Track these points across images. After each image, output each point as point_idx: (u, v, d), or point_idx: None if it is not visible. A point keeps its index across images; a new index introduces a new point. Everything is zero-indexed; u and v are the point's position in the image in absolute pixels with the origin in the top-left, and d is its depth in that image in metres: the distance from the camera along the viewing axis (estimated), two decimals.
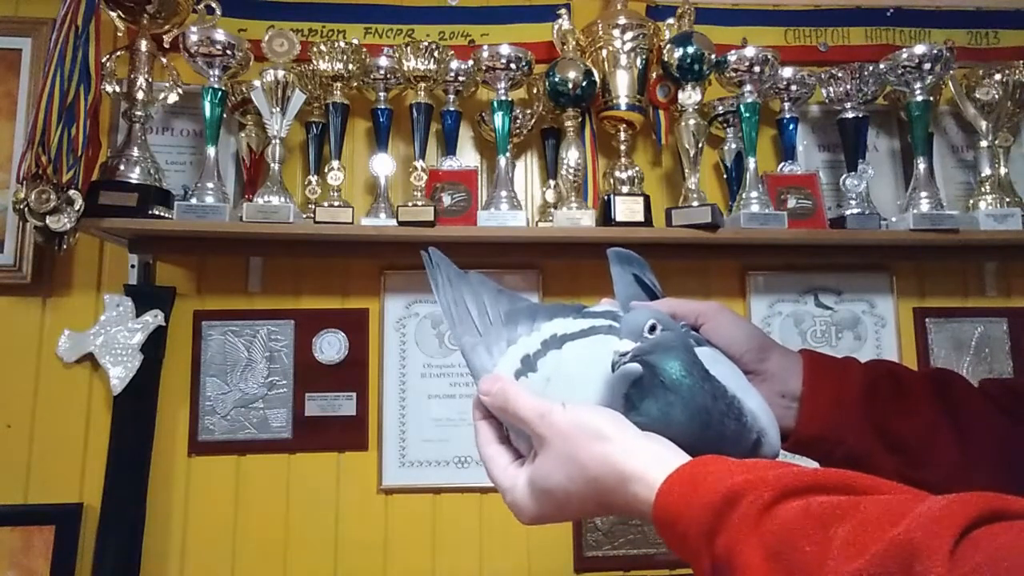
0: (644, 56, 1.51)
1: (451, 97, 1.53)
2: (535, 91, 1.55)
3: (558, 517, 0.51)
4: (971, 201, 1.52)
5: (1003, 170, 1.53)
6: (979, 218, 1.45)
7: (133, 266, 1.45)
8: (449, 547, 1.46)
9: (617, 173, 1.49)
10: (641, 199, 1.42)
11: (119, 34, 1.40)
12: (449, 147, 1.53)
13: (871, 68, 1.49)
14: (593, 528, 1.48)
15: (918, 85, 1.44)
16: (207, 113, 1.36)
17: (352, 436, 1.47)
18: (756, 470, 0.42)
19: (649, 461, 0.46)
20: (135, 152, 1.35)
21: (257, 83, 1.39)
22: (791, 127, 1.56)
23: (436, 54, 1.42)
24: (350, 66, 1.42)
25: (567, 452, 0.48)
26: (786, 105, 1.56)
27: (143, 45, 1.38)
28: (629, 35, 1.50)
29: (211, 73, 1.37)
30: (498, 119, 1.45)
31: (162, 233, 1.35)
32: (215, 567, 1.42)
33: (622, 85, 1.50)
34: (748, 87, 1.44)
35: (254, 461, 1.46)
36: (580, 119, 1.48)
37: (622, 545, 1.48)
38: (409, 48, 1.41)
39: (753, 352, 0.65)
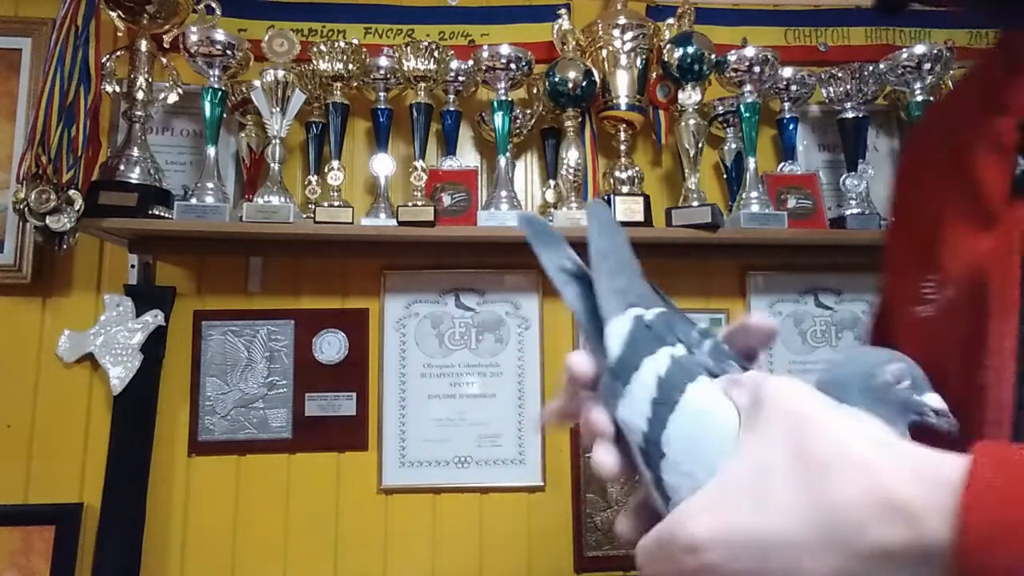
0: (644, 56, 1.51)
1: (451, 97, 1.53)
2: (535, 91, 1.55)
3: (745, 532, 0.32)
4: None
5: None
6: None
7: (133, 266, 1.45)
8: (449, 547, 1.46)
9: (617, 173, 1.49)
10: (641, 199, 1.42)
11: (119, 34, 1.40)
12: (449, 147, 1.53)
13: (871, 68, 1.49)
14: (593, 528, 1.48)
15: (918, 85, 1.44)
16: (207, 113, 1.37)
17: (352, 436, 1.47)
18: None
19: (929, 454, 0.31)
20: (135, 152, 1.35)
21: (257, 83, 1.39)
22: (791, 127, 1.56)
23: (436, 54, 1.42)
24: (350, 66, 1.42)
25: (795, 429, 0.32)
26: (786, 105, 1.56)
27: (143, 45, 1.38)
28: (629, 35, 1.50)
29: (211, 73, 1.37)
30: (498, 119, 1.45)
31: (162, 233, 1.36)
32: (215, 567, 1.42)
33: (622, 85, 1.50)
34: (748, 87, 1.44)
35: (254, 461, 1.46)
36: (580, 119, 1.48)
37: (622, 545, 1.47)
38: (409, 48, 1.41)
39: None
